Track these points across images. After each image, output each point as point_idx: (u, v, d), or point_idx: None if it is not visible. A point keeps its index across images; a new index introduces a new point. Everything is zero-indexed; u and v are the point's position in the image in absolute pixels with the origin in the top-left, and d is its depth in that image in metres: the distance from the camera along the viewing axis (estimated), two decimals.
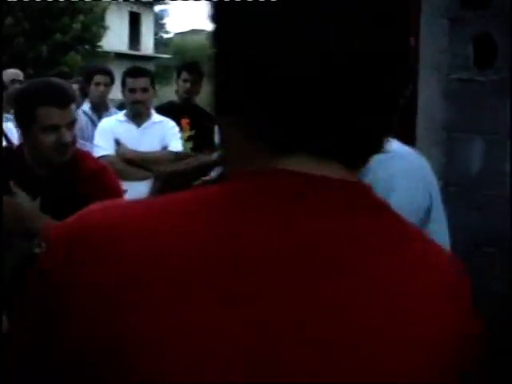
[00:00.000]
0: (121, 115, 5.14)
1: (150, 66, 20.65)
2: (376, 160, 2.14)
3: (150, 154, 4.81)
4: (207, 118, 5.92)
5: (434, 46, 3.84)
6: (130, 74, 5.06)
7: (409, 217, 1.65)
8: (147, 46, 31.41)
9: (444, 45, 3.80)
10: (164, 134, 5.00)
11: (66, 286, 0.72)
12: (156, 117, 5.09)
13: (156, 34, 36.14)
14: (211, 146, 5.52)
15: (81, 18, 20.91)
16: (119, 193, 3.05)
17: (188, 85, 5.96)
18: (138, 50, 29.93)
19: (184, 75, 5.98)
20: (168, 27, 41.70)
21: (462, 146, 3.74)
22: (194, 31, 48.92)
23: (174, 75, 6.26)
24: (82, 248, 0.73)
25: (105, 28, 22.28)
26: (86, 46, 21.39)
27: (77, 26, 20.56)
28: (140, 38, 29.85)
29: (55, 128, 2.75)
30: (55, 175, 2.86)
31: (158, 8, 36.35)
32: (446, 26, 3.78)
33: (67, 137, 2.79)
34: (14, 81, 6.79)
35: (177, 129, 5.13)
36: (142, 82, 4.99)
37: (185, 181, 1.45)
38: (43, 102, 2.73)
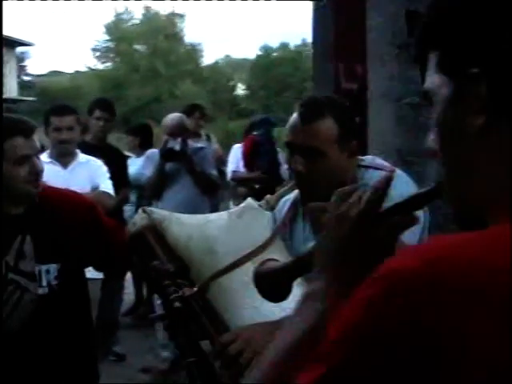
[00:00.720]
0: (44, 156, 4.92)
1: (16, 109, 20.12)
2: (373, 176, 2.17)
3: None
4: (121, 157, 5.83)
5: (383, 73, 3.94)
6: (55, 112, 4.89)
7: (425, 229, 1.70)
8: (11, 88, 30.67)
9: (393, 72, 3.90)
10: (93, 174, 4.84)
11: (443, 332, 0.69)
12: (82, 156, 4.91)
13: (18, 76, 35.29)
14: (125, 186, 5.44)
15: None
16: (109, 223, 2.99)
17: (101, 123, 5.75)
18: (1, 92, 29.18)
19: (97, 113, 5.75)
20: (29, 69, 40.68)
21: (416, 169, 3.84)
22: (54, 73, 47.98)
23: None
24: (451, 291, 0.70)
25: None
26: None
27: None
28: (3, 81, 29.06)
29: (26, 158, 2.65)
30: (35, 210, 2.73)
31: (19, 50, 35.51)
32: (393, 54, 3.89)
33: (38, 166, 2.71)
34: None
35: (105, 168, 4.97)
36: (69, 120, 4.82)
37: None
38: (8, 135, 2.62)
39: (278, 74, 40.00)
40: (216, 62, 45.27)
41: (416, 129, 3.88)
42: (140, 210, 2.41)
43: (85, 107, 6.46)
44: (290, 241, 2.34)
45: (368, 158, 2.38)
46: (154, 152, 6.07)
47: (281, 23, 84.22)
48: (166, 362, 5.83)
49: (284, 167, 7.30)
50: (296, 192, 2.36)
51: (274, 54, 41.87)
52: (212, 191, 6.10)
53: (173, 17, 40.14)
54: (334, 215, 1.07)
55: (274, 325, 2.01)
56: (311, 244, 2.16)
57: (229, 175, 7.32)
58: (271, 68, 40.54)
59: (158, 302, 6.03)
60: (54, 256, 2.71)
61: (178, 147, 5.69)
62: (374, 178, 2.19)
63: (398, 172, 2.23)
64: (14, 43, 32.10)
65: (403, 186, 2.05)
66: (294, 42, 47.21)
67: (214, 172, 6.07)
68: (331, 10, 4.07)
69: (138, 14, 40.64)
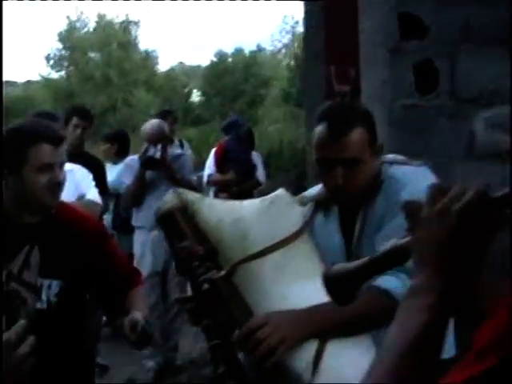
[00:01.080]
0: None
1: None
2: (411, 172, 2.22)
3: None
4: (99, 166, 5.75)
5: (375, 76, 3.95)
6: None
7: None
8: None
9: (385, 74, 3.92)
10: (78, 183, 4.77)
11: None
12: (66, 165, 4.82)
13: None
14: (104, 195, 5.36)
15: None
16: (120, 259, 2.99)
17: (79, 131, 5.69)
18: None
19: (75, 120, 5.68)
20: None
21: None
22: (7, 83, 47.37)
23: None
24: None
25: None
26: None
27: None
28: None
29: (48, 167, 2.61)
30: (48, 222, 2.68)
31: None
32: (385, 56, 3.90)
33: (60, 176, 2.67)
34: None
35: (90, 176, 4.91)
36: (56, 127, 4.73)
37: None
38: (36, 140, 2.58)
39: (232, 80, 40.02)
40: (171, 69, 45.16)
41: (408, 131, 3.90)
42: (171, 191, 2.37)
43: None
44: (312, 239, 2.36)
45: (389, 156, 2.41)
46: (133, 159, 6.03)
47: (236, 28, 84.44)
48: (151, 373, 5.78)
49: (260, 170, 7.32)
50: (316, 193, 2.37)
51: (229, 60, 41.85)
52: None
53: (127, 24, 39.90)
54: (436, 210, 1.06)
55: (301, 313, 2.06)
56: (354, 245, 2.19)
57: (205, 179, 7.34)
58: (225, 74, 40.54)
59: None
60: (59, 272, 2.66)
61: (158, 155, 5.65)
62: (404, 172, 2.24)
63: (425, 168, 2.28)
64: None
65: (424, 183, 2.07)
66: (248, 47, 47.34)
67: (194, 178, 6.05)
68: (323, 12, 4.07)
69: (91, 21, 40.09)
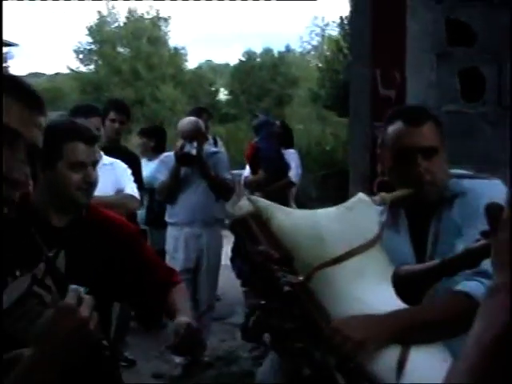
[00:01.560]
0: None
1: None
2: (486, 183, 2.21)
3: (111, 198, 4.52)
4: (135, 160, 5.76)
5: (421, 81, 3.94)
6: (80, 113, 4.78)
7: None
8: None
9: (431, 79, 3.90)
10: (117, 177, 4.75)
11: None
12: (105, 159, 4.81)
13: None
14: (140, 190, 5.37)
15: None
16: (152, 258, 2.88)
17: (117, 125, 5.67)
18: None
19: (112, 115, 5.66)
20: (11, 70, 40.37)
21: None
22: (33, 74, 47.70)
23: None
24: None
25: None
26: None
27: None
28: None
29: (82, 165, 2.58)
30: (77, 226, 2.60)
31: (3, 50, 35.25)
32: (433, 61, 3.89)
33: (93, 176, 2.63)
34: None
35: (129, 171, 4.91)
36: (94, 121, 4.71)
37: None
38: (71, 138, 2.55)
39: (259, 79, 40.05)
40: (199, 67, 45.26)
41: (453, 137, 3.88)
42: (245, 197, 2.36)
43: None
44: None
45: (455, 170, 2.42)
46: (168, 156, 6.01)
47: (265, 28, 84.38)
48: (179, 368, 5.79)
49: (294, 169, 7.22)
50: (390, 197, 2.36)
51: (257, 59, 41.87)
52: (226, 195, 6.06)
53: (157, 20, 40.03)
54: None
55: (382, 317, 2.07)
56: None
57: (242, 181, 7.35)
58: (253, 73, 40.57)
59: None
60: (85, 279, 2.45)
61: (194, 151, 5.64)
62: (480, 184, 2.23)
63: (498, 180, 2.31)
64: None
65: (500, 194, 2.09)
66: (277, 47, 47.32)
67: (229, 176, 6.03)
68: (370, 15, 4.06)
69: (121, 16, 40.25)
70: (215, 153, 6.11)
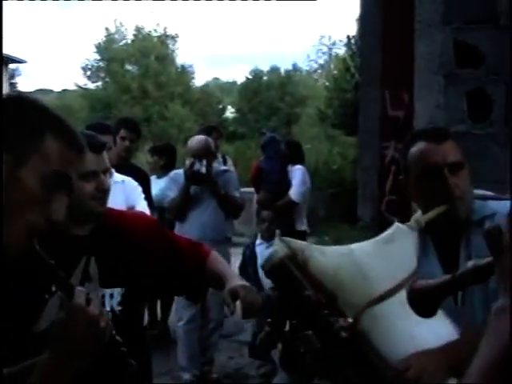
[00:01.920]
0: None
1: None
2: (504, 205, 2.23)
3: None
4: (145, 178, 5.81)
5: (429, 102, 3.99)
6: (92, 130, 4.81)
7: None
8: None
9: (439, 100, 3.95)
10: (128, 194, 4.81)
11: None
12: (117, 176, 4.86)
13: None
14: (150, 207, 5.41)
15: None
16: (179, 240, 2.87)
17: (127, 143, 5.71)
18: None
19: (122, 133, 5.70)
20: (19, 87, 40.56)
21: None
22: (41, 91, 47.91)
23: None
24: None
25: None
26: None
27: None
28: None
29: (93, 174, 2.54)
30: (99, 231, 2.59)
31: (11, 67, 35.43)
32: (440, 83, 3.94)
33: (106, 183, 2.59)
34: None
35: (140, 188, 4.96)
36: (106, 139, 4.75)
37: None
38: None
39: (267, 97, 40.17)
40: (206, 85, 45.44)
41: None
42: (277, 240, 2.31)
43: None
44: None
45: (478, 192, 2.42)
46: (177, 173, 6.07)
47: (272, 47, 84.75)
48: None
49: (295, 187, 7.14)
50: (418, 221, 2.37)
51: (264, 78, 42.03)
52: (236, 213, 6.11)
53: (164, 38, 40.25)
54: None
55: (439, 352, 2.09)
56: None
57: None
58: (260, 92, 40.71)
59: (178, 324, 6.05)
60: (119, 280, 2.58)
61: (203, 170, 5.69)
62: (502, 207, 2.24)
63: None
64: (6, 60, 32.04)
65: None
66: (284, 66, 47.47)
67: (238, 194, 6.08)
68: (378, 38, 4.12)
69: (129, 34, 40.50)
70: (224, 171, 6.17)
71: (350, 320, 2.11)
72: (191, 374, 5.90)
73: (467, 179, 2.31)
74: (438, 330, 2.10)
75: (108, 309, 2.51)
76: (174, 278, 2.78)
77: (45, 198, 1.46)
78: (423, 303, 1.44)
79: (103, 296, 2.53)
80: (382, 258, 2.23)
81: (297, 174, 7.21)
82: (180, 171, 6.04)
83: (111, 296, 2.56)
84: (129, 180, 4.94)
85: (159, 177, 7.02)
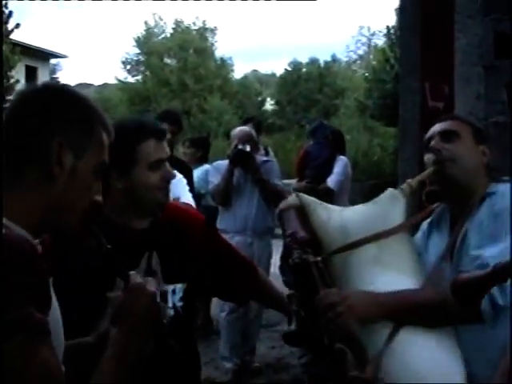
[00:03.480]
0: None
1: None
2: (508, 187, 2.29)
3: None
4: (187, 170, 5.89)
5: (469, 93, 4.01)
6: None
7: None
8: None
9: (479, 92, 3.97)
10: (173, 186, 4.88)
11: None
12: None
13: None
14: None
15: None
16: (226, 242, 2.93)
17: (169, 136, 5.79)
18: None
19: (164, 126, 5.78)
20: (60, 81, 40.99)
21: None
22: (81, 85, 48.34)
23: None
24: None
25: (17, 81, 21.57)
26: None
27: None
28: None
29: (159, 163, 2.42)
30: (158, 225, 2.49)
31: (52, 62, 35.88)
32: (480, 74, 3.96)
33: (171, 171, 2.49)
34: None
35: (184, 180, 5.05)
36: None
37: None
38: (143, 138, 2.39)
39: (306, 89, 40.11)
40: (245, 77, 45.49)
41: (502, 148, 3.93)
42: (294, 194, 2.62)
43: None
44: (426, 253, 2.49)
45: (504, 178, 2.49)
46: (220, 163, 6.16)
47: (311, 38, 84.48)
48: (229, 374, 5.91)
49: (334, 175, 7.16)
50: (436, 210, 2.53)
51: (303, 70, 41.94)
52: (278, 202, 6.15)
53: (203, 31, 40.36)
54: None
55: (376, 294, 2.21)
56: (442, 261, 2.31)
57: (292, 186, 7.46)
58: (299, 84, 40.65)
59: (220, 314, 6.14)
60: (180, 275, 2.51)
61: (247, 149, 5.75)
62: (505, 188, 2.32)
63: None
64: (48, 55, 32.43)
65: None
66: (323, 57, 47.29)
67: (280, 183, 6.12)
68: (418, 30, 4.15)
69: (168, 27, 40.71)
70: (266, 161, 6.22)
71: (319, 258, 2.35)
72: (233, 363, 5.98)
73: (465, 147, 2.43)
74: (398, 286, 2.24)
75: (170, 305, 2.48)
76: (225, 279, 2.76)
77: (93, 184, 1.56)
78: (466, 294, 1.49)
79: (166, 292, 2.45)
80: (364, 215, 2.44)
81: (339, 163, 7.24)
82: (222, 161, 6.13)
83: (173, 292, 2.50)
84: (174, 172, 5.02)
85: (194, 168, 7.15)
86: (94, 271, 2.16)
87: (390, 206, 2.44)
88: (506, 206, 2.22)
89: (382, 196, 2.49)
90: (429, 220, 2.58)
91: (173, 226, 2.55)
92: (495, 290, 2.06)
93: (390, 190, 2.50)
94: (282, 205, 2.59)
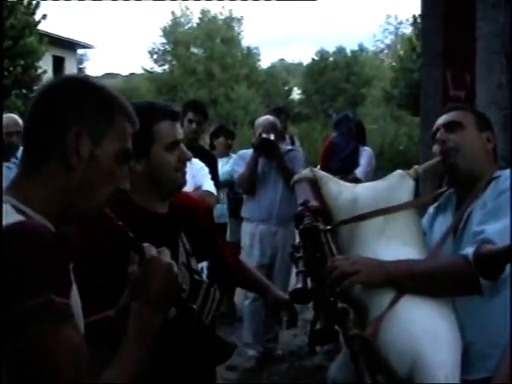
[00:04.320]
0: None
1: None
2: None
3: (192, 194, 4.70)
4: (212, 159, 5.93)
5: (490, 82, 4.01)
6: None
7: None
8: None
9: (500, 80, 3.97)
10: (194, 175, 4.93)
11: None
12: None
13: None
14: (216, 187, 5.54)
15: (21, 61, 20.17)
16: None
17: (194, 125, 5.79)
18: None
19: (190, 115, 5.81)
20: (87, 71, 41.23)
21: None
22: (108, 75, 48.57)
23: None
24: None
25: (44, 72, 21.72)
26: (24, 90, 20.61)
27: (17, 69, 19.81)
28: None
29: (175, 144, 2.42)
30: (174, 210, 2.51)
31: (79, 52, 36.09)
32: (502, 63, 3.96)
33: (187, 152, 2.48)
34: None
35: (206, 169, 5.10)
36: None
37: None
38: (159, 118, 2.40)
39: (333, 78, 40.02)
40: (272, 66, 45.46)
41: None
42: (308, 168, 2.79)
43: None
44: (430, 233, 2.58)
45: None
46: (245, 152, 6.19)
47: (338, 27, 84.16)
48: (252, 360, 5.96)
49: (362, 166, 7.26)
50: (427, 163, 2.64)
51: (330, 59, 41.83)
52: None
53: (230, 20, 40.38)
54: None
55: (382, 261, 2.26)
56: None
57: None
58: (326, 73, 40.57)
59: (244, 302, 6.19)
60: (204, 253, 2.63)
61: (272, 137, 5.78)
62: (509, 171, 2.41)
63: None
64: (74, 45, 32.61)
65: None
66: (350, 46, 47.10)
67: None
68: (440, 19, 4.16)
69: (195, 17, 40.79)
70: (290, 150, 6.24)
71: (328, 227, 2.46)
72: (256, 350, 6.03)
73: (468, 136, 2.51)
74: (401, 255, 2.30)
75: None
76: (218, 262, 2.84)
77: (116, 171, 1.58)
78: (488, 266, 1.52)
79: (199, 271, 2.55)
80: (374, 189, 2.56)
81: (364, 154, 7.32)
82: (247, 150, 6.16)
83: (202, 270, 2.68)
84: (195, 161, 5.06)
85: (221, 157, 7.25)
86: (110, 251, 2.15)
87: (398, 185, 2.54)
88: (507, 185, 2.31)
89: (392, 175, 2.59)
90: (436, 204, 2.68)
91: (185, 210, 2.58)
92: None
93: (398, 171, 2.61)
94: (297, 177, 2.72)
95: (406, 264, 2.25)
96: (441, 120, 2.59)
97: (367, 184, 2.67)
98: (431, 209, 2.70)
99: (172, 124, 2.43)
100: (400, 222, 2.43)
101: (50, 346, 1.31)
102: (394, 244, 2.36)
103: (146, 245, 1.74)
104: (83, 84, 1.59)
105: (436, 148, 2.56)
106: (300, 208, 2.54)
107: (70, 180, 1.51)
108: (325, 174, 2.69)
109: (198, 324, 1.89)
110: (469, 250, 2.12)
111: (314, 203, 2.53)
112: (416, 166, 2.62)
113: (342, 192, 2.57)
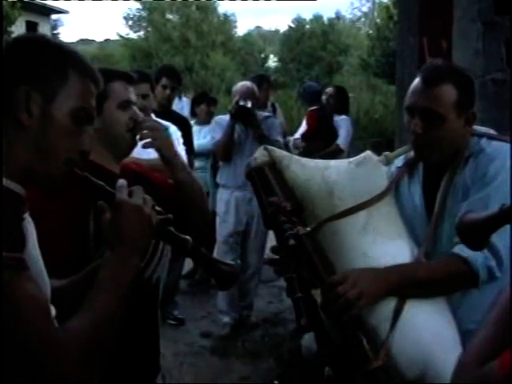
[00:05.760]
0: None
1: None
2: (500, 147, 2.28)
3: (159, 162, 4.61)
4: (186, 125, 5.88)
5: (467, 49, 3.99)
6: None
7: None
8: None
9: (477, 48, 3.95)
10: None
11: None
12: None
13: None
14: (191, 153, 5.50)
15: None
16: None
17: (168, 91, 5.77)
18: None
19: (163, 81, 5.77)
20: (61, 37, 40.71)
21: None
22: (83, 41, 47.96)
23: None
24: None
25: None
26: None
27: None
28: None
29: (128, 104, 2.49)
30: (127, 172, 2.47)
31: (53, 17, 35.56)
32: (479, 30, 3.94)
33: (140, 115, 2.52)
34: None
35: (179, 133, 5.03)
36: (143, 88, 4.80)
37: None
38: (115, 78, 2.48)
39: (309, 46, 39.86)
40: (248, 34, 45.19)
41: (499, 104, 3.93)
42: (261, 148, 2.43)
43: None
44: (396, 198, 2.45)
45: (481, 128, 2.44)
46: (222, 118, 6.15)
47: None
48: (227, 327, 5.97)
49: (342, 135, 7.31)
50: (409, 154, 2.45)
51: (307, 26, 41.63)
52: None
53: None
54: None
55: (380, 271, 2.17)
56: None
57: (291, 143, 7.50)
58: (303, 41, 40.38)
59: None
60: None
61: (249, 104, 5.74)
62: (494, 147, 2.30)
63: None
64: (49, 10, 32.13)
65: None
66: (327, 14, 46.89)
67: (281, 139, 6.10)
68: None
69: None
70: (267, 117, 6.20)
71: (308, 229, 2.23)
72: (231, 317, 6.03)
73: (447, 132, 2.27)
74: (391, 253, 2.21)
75: None
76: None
77: (75, 131, 1.54)
78: (472, 235, 1.51)
79: None
80: (350, 179, 2.34)
81: (344, 123, 7.35)
82: (224, 116, 6.11)
83: None
84: (169, 125, 5.00)
85: (202, 124, 7.19)
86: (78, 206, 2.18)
87: (374, 173, 2.39)
88: (496, 169, 2.22)
89: (363, 159, 2.42)
90: (400, 164, 2.50)
91: (137, 175, 2.55)
92: (494, 264, 2.13)
93: (368, 154, 2.43)
94: (253, 163, 2.41)
95: (406, 271, 2.19)
96: (417, 98, 2.27)
97: (337, 169, 2.40)
98: (393, 167, 2.50)
99: (126, 85, 2.51)
100: (382, 211, 2.31)
101: (7, 298, 1.32)
102: (380, 240, 2.25)
103: (118, 185, 1.68)
104: (36, 42, 1.56)
105: (410, 136, 2.32)
106: (271, 210, 2.29)
107: (25, 140, 1.48)
108: (283, 153, 2.43)
109: (196, 253, 1.85)
110: (462, 248, 2.11)
111: (285, 203, 2.28)
112: (386, 153, 2.43)
113: (311, 179, 2.33)
